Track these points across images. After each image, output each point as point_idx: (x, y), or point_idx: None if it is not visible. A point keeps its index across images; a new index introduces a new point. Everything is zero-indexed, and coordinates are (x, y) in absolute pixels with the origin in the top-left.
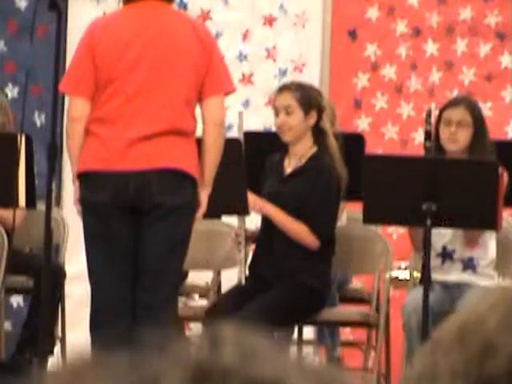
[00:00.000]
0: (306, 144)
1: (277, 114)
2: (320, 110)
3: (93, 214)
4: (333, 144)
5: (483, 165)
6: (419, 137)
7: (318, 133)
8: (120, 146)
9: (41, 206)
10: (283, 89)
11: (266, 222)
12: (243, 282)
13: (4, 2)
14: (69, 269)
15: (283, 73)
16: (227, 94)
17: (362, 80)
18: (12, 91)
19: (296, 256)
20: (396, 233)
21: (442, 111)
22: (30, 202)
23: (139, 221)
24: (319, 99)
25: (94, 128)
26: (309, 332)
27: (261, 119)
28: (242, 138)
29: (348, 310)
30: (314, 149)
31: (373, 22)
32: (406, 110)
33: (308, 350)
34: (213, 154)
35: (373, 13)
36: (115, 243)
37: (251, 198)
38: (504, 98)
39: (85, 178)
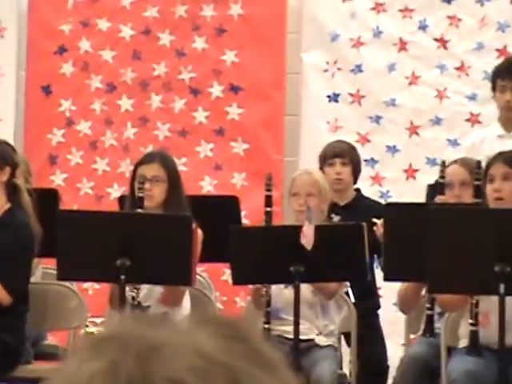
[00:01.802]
0: (1, 200)
1: None
2: (13, 166)
3: None
4: (26, 200)
5: (177, 219)
6: (114, 192)
7: (12, 189)
8: None
9: None
10: None
11: None
12: None
13: None
14: None
15: None
16: None
17: (57, 135)
18: None
19: None
20: (92, 288)
21: (136, 167)
22: None
23: None
24: (12, 155)
25: None
26: None
27: None
28: None
29: (43, 366)
30: (8, 205)
31: (67, 77)
32: (101, 165)
33: None
34: None
35: (67, 68)
36: None
37: None
38: (199, 153)
39: None
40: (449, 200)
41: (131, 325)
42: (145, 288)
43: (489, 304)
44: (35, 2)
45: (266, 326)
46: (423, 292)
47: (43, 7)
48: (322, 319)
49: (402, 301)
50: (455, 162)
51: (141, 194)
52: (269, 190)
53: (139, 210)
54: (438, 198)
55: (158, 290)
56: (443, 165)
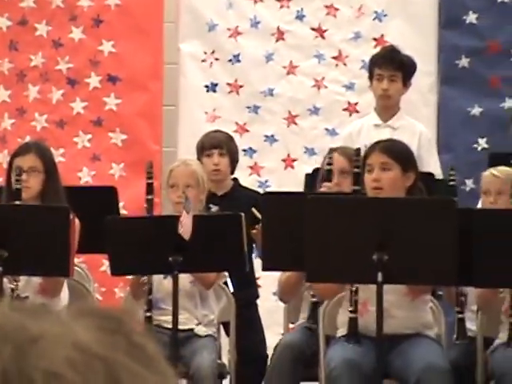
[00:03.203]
0: None
1: None
2: None
3: None
4: None
5: (54, 210)
6: None
7: None
8: None
9: None
10: None
11: None
12: None
13: None
14: None
15: None
16: None
17: None
18: None
19: None
20: None
21: (12, 159)
22: None
23: None
24: None
25: None
26: None
27: None
28: None
29: None
30: None
31: None
32: None
33: None
34: None
35: None
36: None
37: None
38: (77, 144)
39: None
40: (329, 188)
41: (9, 314)
42: (23, 279)
43: (367, 293)
44: None
45: (148, 314)
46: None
47: None
48: (201, 309)
49: (282, 290)
50: (334, 150)
51: (18, 186)
52: (150, 178)
53: (17, 202)
54: (324, 185)
55: (36, 280)
56: (330, 152)
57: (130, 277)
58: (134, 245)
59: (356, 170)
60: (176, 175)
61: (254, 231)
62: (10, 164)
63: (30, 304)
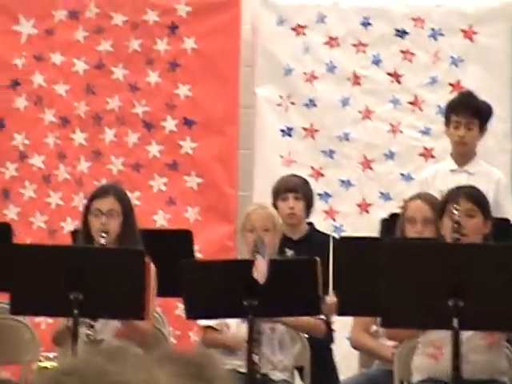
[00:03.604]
0: None
1: None
2: None
3: None
4: None
5: (130, 253)
6: (68, 226)
7: None
8: None
9: None
10: None
11: None
12: None
13: None
14: None
15: None
16: None
17: (10, 169)
18: None
19: None
20: (45, 323)
21: (90, 201)
22: None
23: None
24: None
25: None
26: None
27: None
28: None
29: None
30: None
31: (21, 111)
32: (54, 199)
33: None
34: None
35: (21, 102)
36: None
37: None
38: (152, 187)
39: None
40: (410, 235)
41: (89, 359)
42: (100, 321)
43: (441, 336)
44: None
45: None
46: (374, 327)
47: None
48: (278, 354)
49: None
50: (418, 197)
51: (98, 228)
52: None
53: (93, 245)
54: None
55: (113, 323)
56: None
57: (202, 322)
58: (208, 288)
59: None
60: (253, 218)
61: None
62: (88, 206)
63: (109, 347)
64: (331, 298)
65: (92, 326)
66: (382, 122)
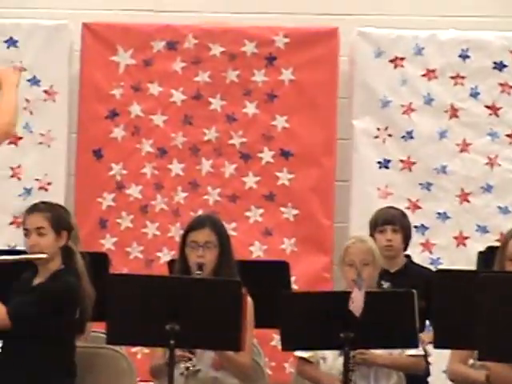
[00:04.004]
0: (56, 263)
1: (27, 234)
2: (69, 230)
3: None
4: (80, 263)
5: (227, 284)
6: (164, 256)
7: (66, 252)
8: None
9: None
10: (33, 209)
11: None
12: None
13: None
14: None
15: (28, 192)
16: None
17: (108, 199)
18: None
19: None
20: (141, 352)
21: (186, 232)
22: None
23: None
24: (68, 219)
25: None
26: None
27: (5, 238)
28: None
29: None
30: (61, 267)
31: (118, 141)
32: (151, 229)
33: None
34: None
35: (118, 132)
36: None
37: None
38: (249, 218)
39: None
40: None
41: None
42: (196, 351)
43: None
44: (87, 66)
45: None
46: (471, 360)
47: (95, 71)
48: None
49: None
50: None
51: (198, 261)
52: None
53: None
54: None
55: (210, 353)
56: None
57: (297, 353)
58: (305, 320)
59: None
60: (352, 253)
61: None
62: (184, 238)
63: (205, 379)
64: (426, 335)
65: (190, 359)
66: (479, 154)
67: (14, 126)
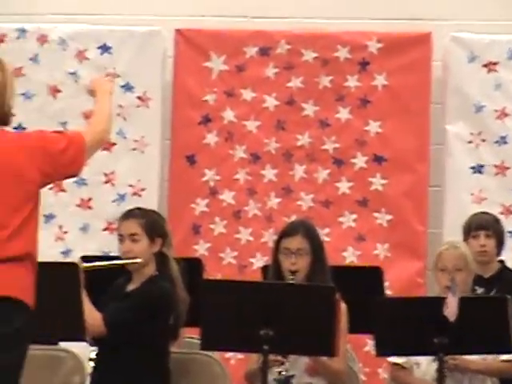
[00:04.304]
0: (150, 269)
1: (121, 240)
2: (164, 236)
3: None
4: (174, 269)
5: (320, 290)
6: (257, 262)
7: (160, 258)
8: None
9: None
10: (128, 216)
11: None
12: None
13: None
14: None
15: (122, 197)
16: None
17: (201, 205)
18: None
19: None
20: (234, 358)
21: (279, 238)
22: None
23: None
24: (163, 226)
25: None
26: None
27: (99, 244)
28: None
29: None
30: (155, 273)
31: (211, 147)
32: (244, 235)
33: None
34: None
35: (211, 138)
36: None
37: None
38: (342, 224)
39: None
40: None
41: None
42: (290, 357)
43: None
44: (180, 72)
45: None
46: None
47: (188, 78)
48: None
49: None
50: None
51: (291, 268)
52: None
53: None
54: None
55: (304, 359)
56: None
57: (391, 359)
58: (399, 325)
59: None
60: (446, 259)
61: None
62: (277, 244)
63: None
64: None
65: (282, 363)
66: None
67: (108, 134)
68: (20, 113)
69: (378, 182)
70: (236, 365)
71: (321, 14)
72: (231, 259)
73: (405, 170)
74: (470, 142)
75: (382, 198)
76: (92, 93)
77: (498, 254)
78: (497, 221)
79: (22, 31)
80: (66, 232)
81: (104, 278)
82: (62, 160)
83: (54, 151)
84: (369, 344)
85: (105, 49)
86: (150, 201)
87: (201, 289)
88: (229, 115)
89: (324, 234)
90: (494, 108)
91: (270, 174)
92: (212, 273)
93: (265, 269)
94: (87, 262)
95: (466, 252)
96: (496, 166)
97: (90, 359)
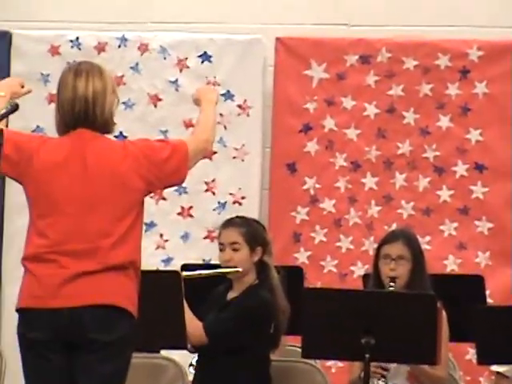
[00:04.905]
0: (250, 278)
1: (222, 249)
2: (265, 245)
3: (29, 350)
4: (275, 277)
5: (421, 298)
6: (358, 270)
7: (261, 266)
8: (53, 283)
9: None
10: (229, 224)
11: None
12: None
13: None
14: None
15: (222, 206)
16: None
17: (302, 213)
18: None
19: None
20: (335, 367)
21: (380, 246)
22: None
23: (75, 358)
24: (264, 235)
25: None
26: None
27: (200, 252)
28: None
29: None
30: (256, 282)
31: (312, 155)
32: (345, 243)
33: None
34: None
35: (312, 146)
36: (53, 379)
37: None
38: (443, 232)
39: (21, 315)
40: None
41: None
42: (391, 367)
43: None
44: (280, 81)
45: None
46: None
47: (288, 86)
48: None
49: None
50: None
51: (390, 274)
52: None
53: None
54: None
55: (405, 367)
56: None
57: (493, 367)
58: (501, 334)
59: None
60: None
61: None
62: (378, 251)
63: None
64: None
65: (383, 376)
66: None
67: (211, 144)
68: (121, 121)
69: (478, 190)
70: (337, 373)
71: (421, 21)
72: (332, 267)
73: (505, 178)
74: None
75: (483, 206)
76: (197, 102)
77: None
78: None
79: (123, 40)
80: (166, 240)
81: (203, 286)
82: (166, 169)
83: (158, 160)
84: (470, 352)
85: (205, 57)
86: (251, 209)
87: (302, 297)
88: (329, 123)
89: (425, 242)
90: None
91: (370, 182)
92: (313, 281)
93: (366, 277)
94: (188, 270)
95: None
96: None
97: (191, 364)
